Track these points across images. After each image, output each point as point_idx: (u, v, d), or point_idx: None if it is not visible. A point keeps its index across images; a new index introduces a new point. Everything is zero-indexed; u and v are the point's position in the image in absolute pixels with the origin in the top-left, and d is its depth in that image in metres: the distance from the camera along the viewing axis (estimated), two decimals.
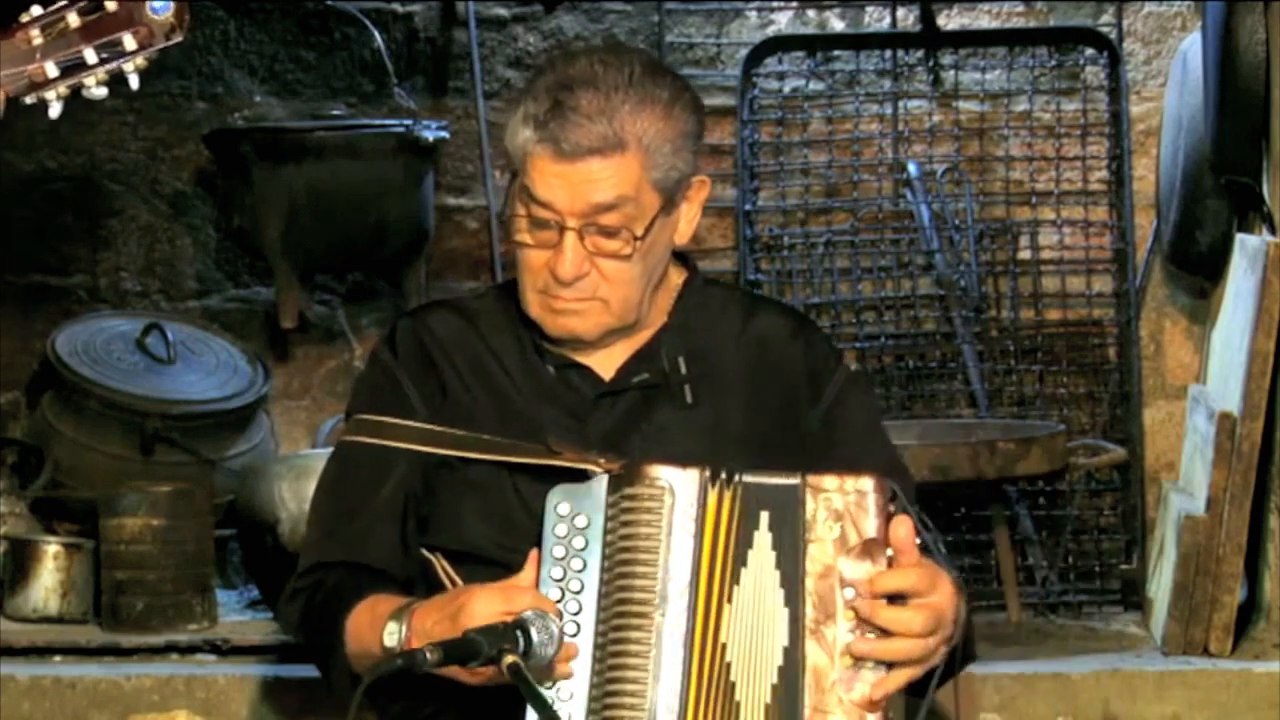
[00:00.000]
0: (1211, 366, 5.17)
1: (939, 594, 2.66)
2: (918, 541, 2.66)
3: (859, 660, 2.63)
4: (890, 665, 2.64)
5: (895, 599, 2.64)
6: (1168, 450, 5.50)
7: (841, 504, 2.64)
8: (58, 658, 4.80)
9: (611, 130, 2.78)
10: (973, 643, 2.80)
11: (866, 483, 2.65)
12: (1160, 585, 4.90)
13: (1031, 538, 5.34)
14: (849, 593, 2.63)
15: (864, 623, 2.63)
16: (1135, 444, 5.38)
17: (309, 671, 4.41)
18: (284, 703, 4.57)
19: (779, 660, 2.64)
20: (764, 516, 2.65)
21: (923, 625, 2.63)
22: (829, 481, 2.65)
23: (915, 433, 5.12)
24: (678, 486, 2.63)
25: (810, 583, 2.63)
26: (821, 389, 2.96)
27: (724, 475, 2.66)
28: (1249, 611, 4.78)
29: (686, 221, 2.92)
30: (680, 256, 3.00)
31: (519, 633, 2.53)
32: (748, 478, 2.66)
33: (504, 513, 2.82)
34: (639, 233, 2.82)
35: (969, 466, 4.75)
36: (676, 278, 2.98)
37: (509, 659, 2.50)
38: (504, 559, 2.75)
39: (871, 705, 2.63)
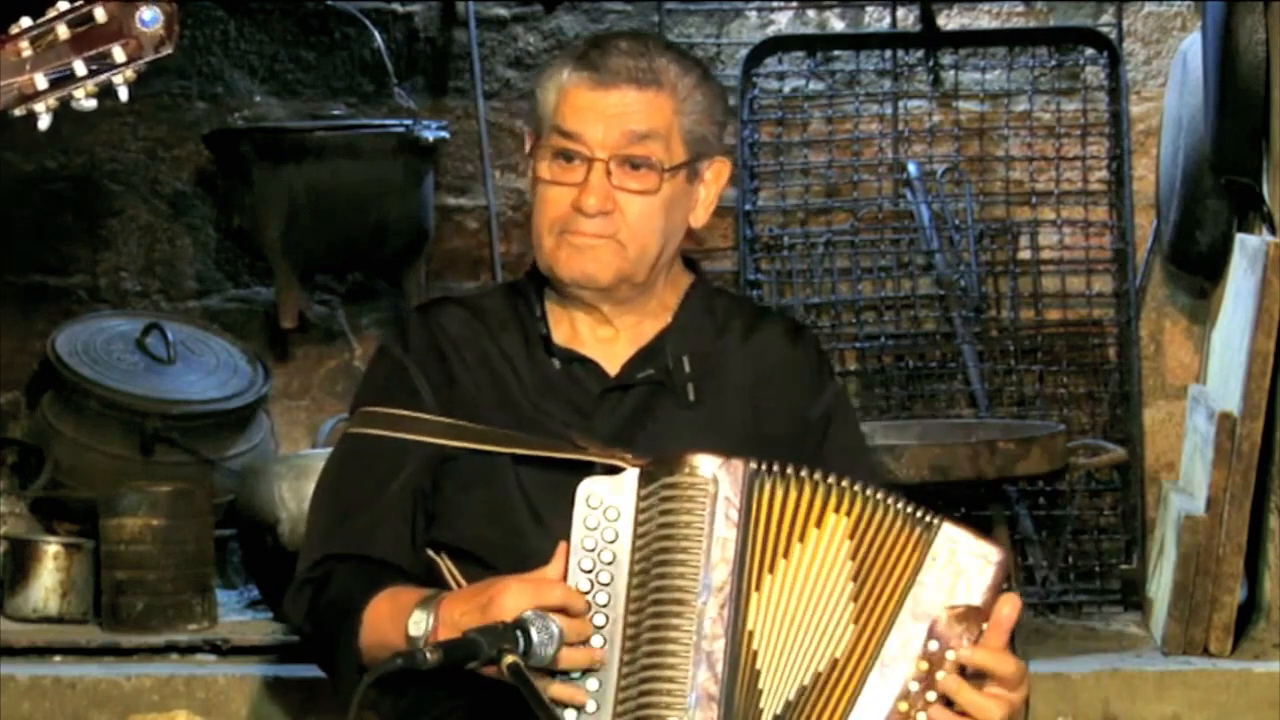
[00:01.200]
0: (1211, 366, 5.17)
1: (1020, 693, 2.65)
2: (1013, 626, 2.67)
3: (911, 711, 2.62)
4: None
5: (975, 676, 2.63)
6: (1168, 450, 5.50)
7: (966, 562, 2.64)
8: (58, 658, 4.80)
9: (650, 66, 2.83)
10: None
11: (996, 553, 2.65)
12: (1160, 585, 4.90)
13: (1031, 538, 5.34)
14: (933, 645, 2.62)
15: (933, 682, 2.62)
16: (1135, 444, 5.38)
17: (309, 671, 4.43)
18: (284, 703, 4.58)
19: (819, 666, 2.63)
20: (837, 522, 2.65)
21: (998, 718, 2.63)
22: (964, 535, 2.65)
23: (915, 433, 5.12)
24: (721, 477, 2.64)
25: (904, 619, 2.63)
26: (816, 397, 2.97)
27: (783, 469, 2.66)
28: (1249, 611, 4.78)
29: (704, 206, 2.93)
30: (688, 262, 3.01)
31: (519, 633, 2.53)
32: (878, 494, 2.66)
33: (507, 510, 2.81)
34: (669, 166, 2.83)
35: (969, 466, 4.75)
36: (684, 279, 2.99)
37: (509, 659, 2.50)
38: (506, 557, 2.75)
39: None
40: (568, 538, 2.66)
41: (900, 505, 2.67)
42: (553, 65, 2.88)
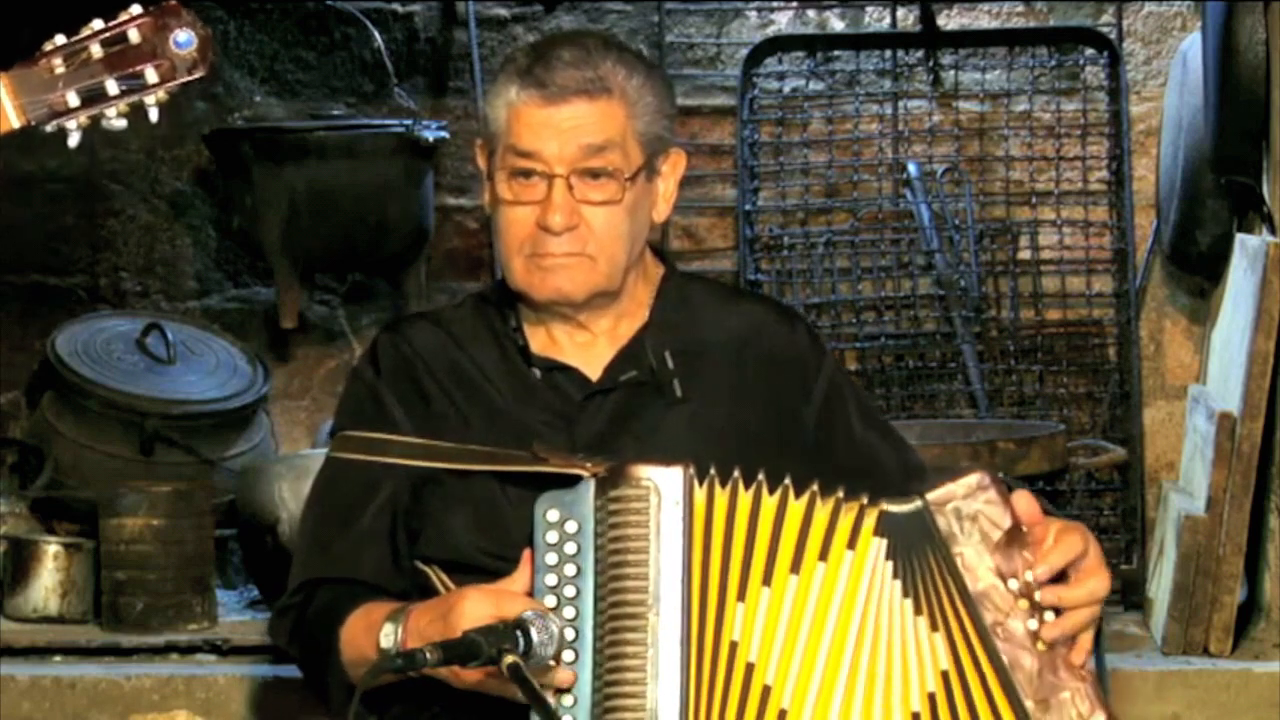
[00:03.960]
0: (1211, 366, 5.17)
1: (1091, 546, 2.68)
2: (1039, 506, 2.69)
3: (1052, 647, 2.65)
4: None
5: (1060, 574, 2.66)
6: (1168, 450, 5.50)
7: (969, 507, 2.65)
8: (58, 658, 4.80)
9: (596, 75, 2.80)
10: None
11: (978, 478, 2.66)
12: (1160, 585, 4.90)
13: None
14: (1013, 584, 2.64)
15: (1038, 610, 2.64)
16: (1135, 444, 5.38)
17: None
18: (284, 703, 4.57)
19: (930, 686, 2.62)
20: (877, 544, 2.63)
21: (1105, 586, 2.66)
22: (948, 489, 2.66)
23: (915, 433, 5.09)
24: (664, 485, 2.62)
25: (977, 588, 2.64)
26: (810, 384, 2.94)
27: (731, 474, 2.65)
28: (1249, 611, 4.78)
29: (664, 199, 2.92)
30: (657, 252, 2.99)
31: (519, 633, 2.53)
32: (873, 503, 2.65)
33: (496, 520, 2.80)
34: (629, 173, 2.81)
35: None
36: (655, 271, 2.97)
37: (509, 659, 2.50)
38: (497, 567, 2.74)
39: (1081, 673, 2.65)
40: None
41: (901, 509, 2.65)
42: (499, 82, 2.85)
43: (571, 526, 2.63)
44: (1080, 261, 5.56)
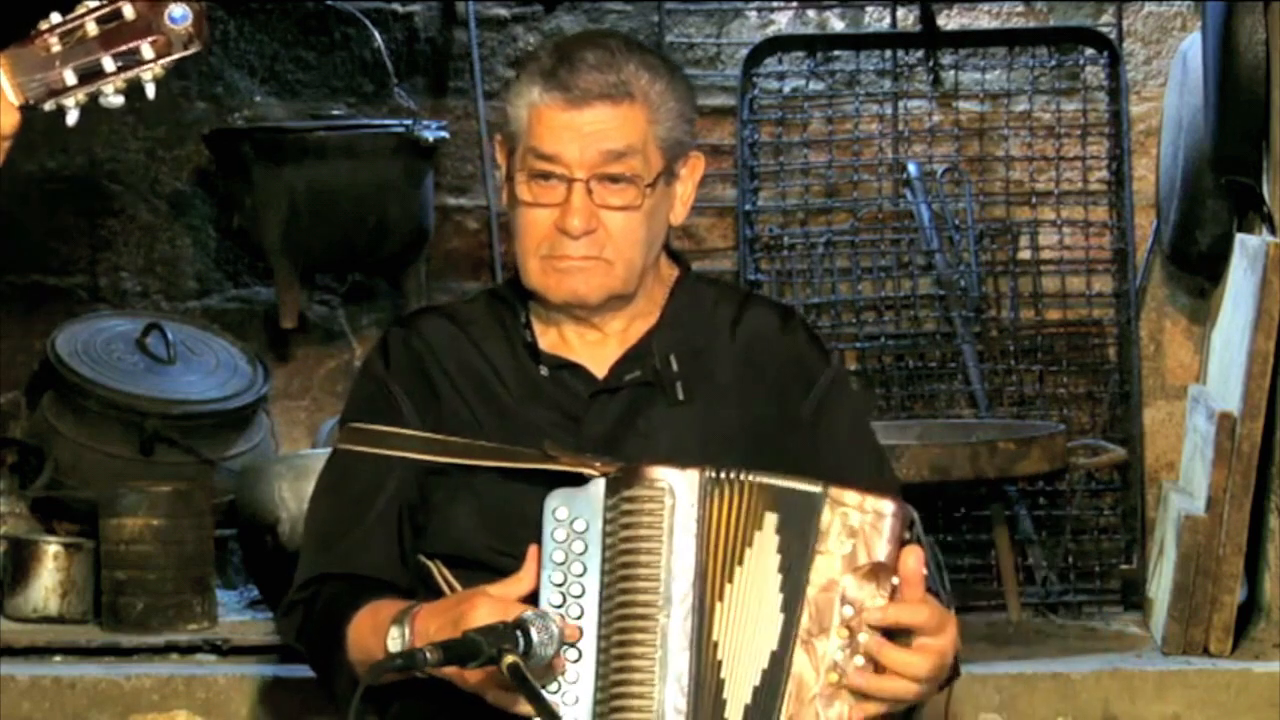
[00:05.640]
0: (1211, 366, 5.17)
1: (945, 637, 2.63)
2: (924, 574, 2.63)
3: (842, 680, 2.59)
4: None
5: (900, 633, 2.61)
6: (1168, 450, 5.50)
7: (858, 521, 2.61)
8: (58, 658, 4.80)
9: (619, 79, 2.80)
10: (959, 662, 2.75)
11: (887, 505, 2.62)
12: (1160, 585, 4.90)
13: (1031, 538, 5.34)
14: (848, 610, 2.60)
15: (857, 647, 2.59)
16: (1135, 444, 5.38)
17: (309, 671, 4.42)
18: (284, 703, 4.57)
19: (764, 664, 2.62)
20: (771, 519, 2.64)
21: (927, 671, 2.61)
22: (850, 496, 2.63)
23: (915, 433, 5.12)
24: (678, 487, 2.62)
25: (811, 592, 2.61)
26: (811, 385, 2.95)
27: (729, 474, 2.65)
28: (1249, 611, 4.78)
29: (682, 202, 2.92)
30: (673, 254, 3.00)
31: (519, 633, 2.53)
32: (767, 479, 2.65)
33: (501, 517, 2.81)
34: (649, 179, 2.81)
35: (969, 466, 4.75)
36: (669, 272, 2.97)
37: (509, 659, 2.50)
38: (501, 563, 2.74)
39: None
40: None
41: (795, 485, 2.64)
42: (521, 81, 2.85)
43: (580, 524, 2.64)
44: (1080, 261, 5.56)
